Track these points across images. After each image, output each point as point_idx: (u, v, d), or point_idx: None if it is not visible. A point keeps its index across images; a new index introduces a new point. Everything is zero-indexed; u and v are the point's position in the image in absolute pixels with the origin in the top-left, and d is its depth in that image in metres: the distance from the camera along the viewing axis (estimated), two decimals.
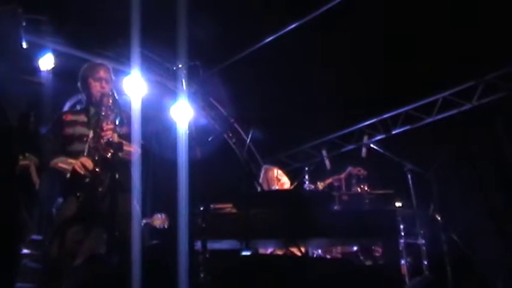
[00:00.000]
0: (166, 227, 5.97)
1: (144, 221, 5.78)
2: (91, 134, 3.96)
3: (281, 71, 7.81)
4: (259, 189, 4.99)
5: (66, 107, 4.55)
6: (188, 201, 3.70)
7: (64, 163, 3.87)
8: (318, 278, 3.44)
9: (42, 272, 3.87)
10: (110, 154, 3.73)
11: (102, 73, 4.17)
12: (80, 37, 7.07)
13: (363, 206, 5.99)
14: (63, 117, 4.14)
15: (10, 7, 5.57)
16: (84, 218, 3.76)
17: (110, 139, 3.79)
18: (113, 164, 3.67)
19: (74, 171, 3.79)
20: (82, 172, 3.77)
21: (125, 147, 3.87)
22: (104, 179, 3.77)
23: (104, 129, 3.85)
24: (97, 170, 3.78)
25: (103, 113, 3.93)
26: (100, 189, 3.75)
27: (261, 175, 6.49)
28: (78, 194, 3.78)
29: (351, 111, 8.21)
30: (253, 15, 6.85)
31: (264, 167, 6.71)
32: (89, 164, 3.80)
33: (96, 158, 3.83)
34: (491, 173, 7.14)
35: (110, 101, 3.95)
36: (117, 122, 3.94)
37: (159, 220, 6.01)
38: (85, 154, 3.89)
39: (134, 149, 4.00)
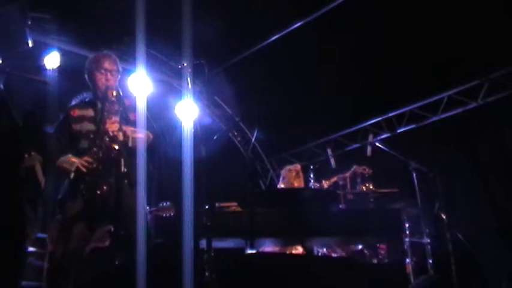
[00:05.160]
0: (172, 215, 5.81)
1: (148, 208, 5.64)
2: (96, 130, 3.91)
3: (286, 70, 7.81)
4: (263, 187, 4.99)
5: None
6: (193, 199, 3.69)
7: (66, 163, 3.81)
8: (323, 277, 3.44)
9: (48, 269, 3.87)
10: (114, 150, 3.70)
11: (107, 64, 4.07)
12: (85, 35, 7.07)
13: (368, 205, 5.99)
14: (71, 113, 4.04)
15: (16, 5, 5.58)
16: (90, 215, 3.74)
17: (114, 134, 3.75)
18: (118, 160, 3.64)
19: (77, 170, 3.74)
20: (85, 170, 3.73)
21: (133, 135, 3.83)
22: (108, 177, 3.73)
23: (107, 125, 3.82)
24: (100, 168, 3.75)
25: (106, 109, 3.88)
26: (104, 188, 3.70)
27: (288, 174, 6.55)
28: (83, 193, 3.75)
29: (356, 109, 8.20)
30: (258, 14, 6.84)
31: (289, 168, 6.77)
32: (92, 163, 3.76)
33: (100, 155, 3.79)
34: (496, 172, 7.12)
35: (114, 94, 3.88)
36: (123, 108, 3.88)
37: (165, 209, 5.88)
38: (89, 152, 3.84)
39: (144, 136, 3.92)
